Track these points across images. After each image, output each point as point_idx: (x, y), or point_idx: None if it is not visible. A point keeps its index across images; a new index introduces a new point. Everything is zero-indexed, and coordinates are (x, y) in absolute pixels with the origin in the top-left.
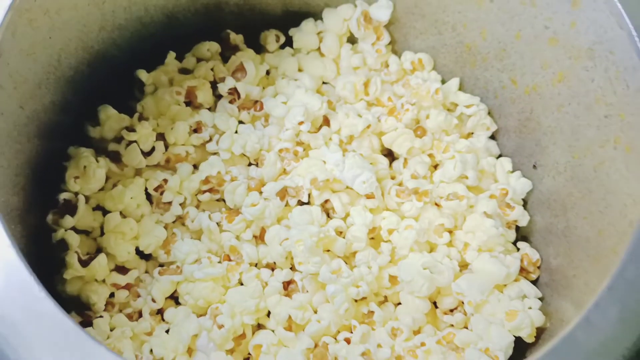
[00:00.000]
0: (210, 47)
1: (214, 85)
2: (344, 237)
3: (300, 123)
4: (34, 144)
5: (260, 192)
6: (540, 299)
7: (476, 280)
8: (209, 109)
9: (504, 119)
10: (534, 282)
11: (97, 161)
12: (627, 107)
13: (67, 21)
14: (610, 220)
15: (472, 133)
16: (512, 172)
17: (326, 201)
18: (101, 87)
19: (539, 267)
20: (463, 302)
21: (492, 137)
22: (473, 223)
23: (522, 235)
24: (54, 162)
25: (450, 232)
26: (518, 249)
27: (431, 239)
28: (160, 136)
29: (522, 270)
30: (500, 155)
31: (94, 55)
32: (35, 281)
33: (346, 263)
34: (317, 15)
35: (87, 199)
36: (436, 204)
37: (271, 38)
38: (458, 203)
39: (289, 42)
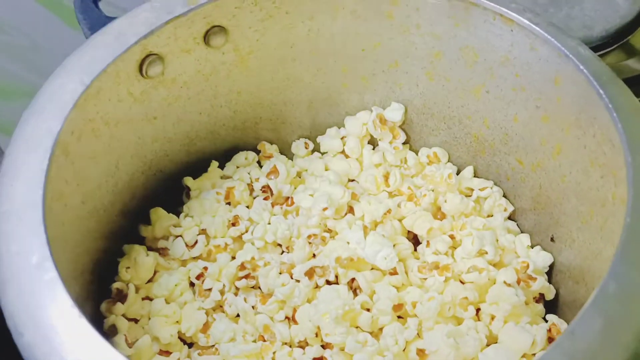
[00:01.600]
0: (248, 156)
1: (251, 188)
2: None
3: (325, 209)
4: (93, 238)
5: (291, 275)
6: None
7: (503, 349)
8: (246, 207)
9: (518, 199)
10: None
11: (147, 254)
12: (616, 164)
13: (124, 133)
14: None
15: (491, 215)
16: (532, 247)
17: (352, 280)
18: (154, 193)
19: None
20: None
21: (511, 218)
22: (495, 293)
23: (550, 310)
24: (110, 259)
25: (477, 308)
26: (546, 321)
27: (457, 313)
28: (203, 232)
29: (551, 341)
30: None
31: (148, 164)
32: None
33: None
34: (339, 124)
35: (137, 289)
36: (460, 281)
37: (301, 145)
38: (478, 275)
39: (317, 149)
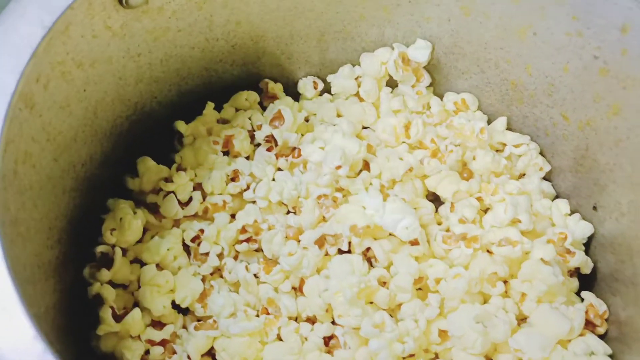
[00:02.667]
0: (249, 97)
1: (252, 134)
2: (387, 288)
3: (338, 167)
4: (70, 197)
5: (298, 241)
6: (610, 355)
7: (536, 335)
8: (247, 158)
9: (557, 157)
10: (602, 337)
11: (135, 213)
12: None
13: (102, 74)
14: None
15: (524, 174)
16: (570, 214)
17: (367, 249)
18: (140, 140)
19: (606, 320)
20: None
21: (546, 178)
22: (529, 270)
23: (584, 284)
24: (92, 216)
25: (505, 281)
26: (582, 300)
27: (484, 289)
28: (198, 186)
29: (588, 324)
30: (556, 197)
31: (132, 107)
32: None
33: (391, 316)
34: (354, 62)
35: (124, 251)
36: (488, 251)
37: (309, 85)
38: (511, 249)
39: (327, 90)
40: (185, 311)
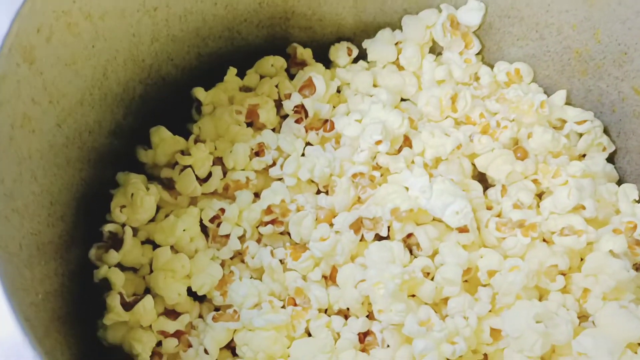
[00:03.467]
0: (275, 63)
1: (278, 104)
2: (432, 280)
3: (378, 142)
4: (76, 169)
5: (331, 225)
6: None
7: (603, 337)
8: (273, 130)
9: (623, 137)
10: None
11: (147, 189)
12: None
13: (114, 29)
14: None
15: (584, 156)
16: (639, 201)
17: (409, 236)
18: (155, 108)
19: None
20: None
21: (609, 160)
22: (595, 264)
23: None
24: (100, 191)
25: (565, 275)
26: None
27: (541, 283)
28: (218, 161)
29: None
30: (620, 181)
31: (146, 70)
32: None
33: (435, 312)
34: (394, 25)
35: (135, 231)
36: (545, 240)
37: (342, 51)
38: (576, 239)
39: (362, 57)
40: (202, 298)
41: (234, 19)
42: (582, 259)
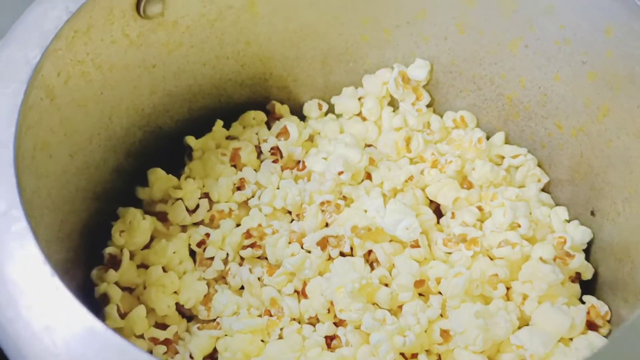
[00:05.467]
0: (256, 116)
1: (259, 150)
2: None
3: (340, 173)
4: (83, 197)
5: (302, 245)
6: None
7: (538, 331)
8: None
9: (554, 168)
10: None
11: (144, 219)
12: None
13: (119, 80)
14: None
15: (523, 187)
16: (569, 221)
17: (369, 253)
18: (152, 152)
19: (609, 321)
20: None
21: (545, 190)
22: (529, 271)
23: (586, 291)
24: (102, 220)
25: (507, 285)
26: (583, 303)
27: (485, 291)
28: (206, 195)
29: (591, 325)
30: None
31: (146, 118)
32: None
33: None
34: (357, 83)
35: (132, 255)
36: (488, 256)
37: (314, 106)
38: (511, 250)
39: (331, 110)
40: (188, 318)
41: (221, 78)
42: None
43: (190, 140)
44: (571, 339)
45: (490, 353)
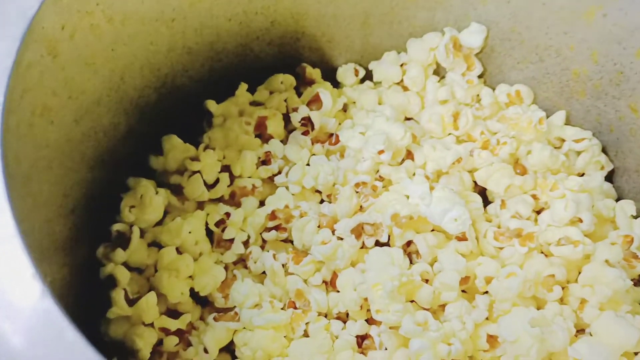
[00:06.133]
0: (285, 80)
1: (286, 118)
2: (430, 285)
3: (380, 152)
4: (89, 166)
5: (333, 231)
6: None
7: (599, 344)
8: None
9: (621, 156)
10: None
11: (157, 192)
12: None
13: (133, 35)
14: None
15: (582, 174)
16: (636, 217)
17: (409, 243)
18: (168, 116)
19: None
20: None
21: (607, 179)
22: (591, 274)
23: None
24: (111, 193)
25: (563, 286)
26: None
27: (539, 293)
28: (226, 169)
29: None
30: (619, 200)
31: (162, 79)
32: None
33: (433, 318)
34: (400, 48)
35: (142, 232)
36: (543, 253)
37: (350, 72)
38: (572, 249)
39: (368, 78)
40: (203, 304)
41: (247, 36)
42: (579, 272)
43: (211, 105)
44: (636, 354)
45: None
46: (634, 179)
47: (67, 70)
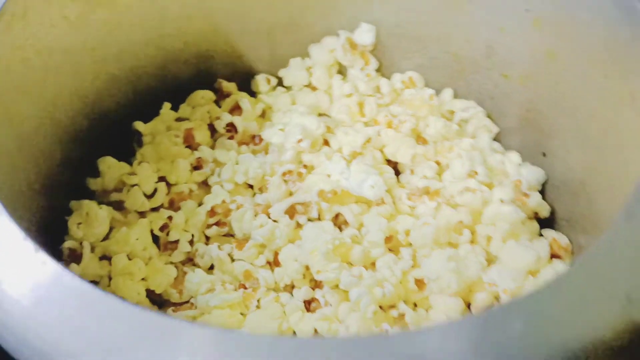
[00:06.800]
0: (204, 95)
1: (211, 129)
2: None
3: (300, 141)
4: (35, 192)
5: (268, 215)
6: None
7: (507, 268)
8: None
9: (503, 118)
10: None
11: (100, 208)
12: (627, 57)
13: (60, 66)
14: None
15: (474, 138)
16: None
17: (337, 216)
18: (100, 141)
19: (572, 253)
20: (497, 298)
21: (496, 140)
22: (491, 214)
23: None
24: (56, 218)
25: (470, 229)
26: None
27: (452, 239)
28: (162, 179)
29: (554, 258)
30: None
31: (90, 106)
32: None
33: None
34: (303, 54)
35: (92, 248)
36: (450, 205)
37: (262, 81)
38: (472, 195)
39: (280, 84)
40: (160, 305)
41: (165, 58)
42: (481, 215)
43: (139, 125)
44: (538, 271)
45: (464, 294)
46: (516, 134)
47: (6, 101)
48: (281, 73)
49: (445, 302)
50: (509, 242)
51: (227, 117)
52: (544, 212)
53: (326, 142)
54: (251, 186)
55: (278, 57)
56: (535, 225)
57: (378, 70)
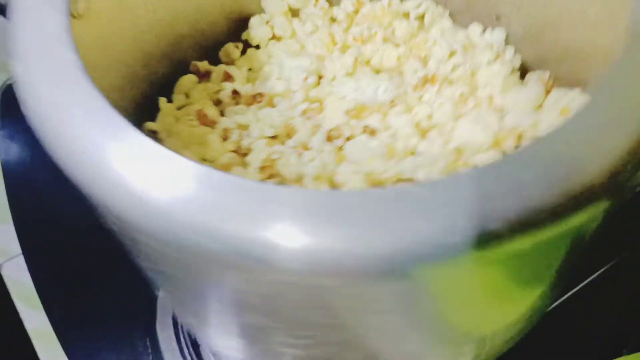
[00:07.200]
0: (190, 79)
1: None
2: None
3: (306, 78)
4: None
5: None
6: None
7: (516, 110)
8: None
9: (450, 4)
10: None
11: None
12: None
13: None
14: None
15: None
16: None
17: (363, 130)
18: None
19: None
20: (521, 138)
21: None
22: (483, 77)
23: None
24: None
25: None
26: None
27: (460, 111)
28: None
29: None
30: None
31: None
32: None
33: None
34: (259, 12)
35: None
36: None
37: (231, 49)
38: (463, 69)
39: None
40: None
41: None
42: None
43: (151, 125)
44: (541, 106)
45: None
46: (465, 16)
47: None
48: (244, 35)
49: (483, 159)
50: (509, 93)
51: (228, 86)
52: (515, 62)
53: (319, 79)
54: (274, 137)
55: (235, 24)
56: (517, 76)
57: (329, 2)
